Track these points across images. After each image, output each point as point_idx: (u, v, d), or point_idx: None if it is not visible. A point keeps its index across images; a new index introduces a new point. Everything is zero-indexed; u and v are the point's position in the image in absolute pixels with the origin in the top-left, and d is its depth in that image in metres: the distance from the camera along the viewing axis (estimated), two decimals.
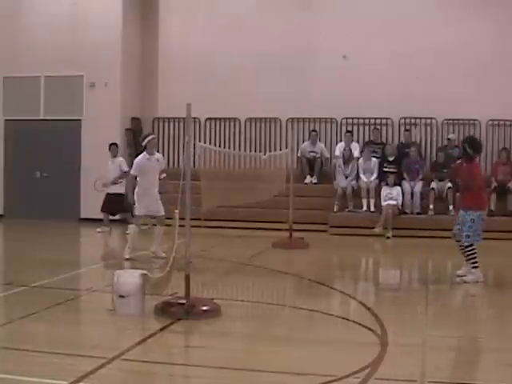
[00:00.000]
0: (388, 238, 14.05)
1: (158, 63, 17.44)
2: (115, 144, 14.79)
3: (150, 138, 10.86)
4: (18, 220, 16.04)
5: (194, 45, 16.86)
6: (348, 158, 15.54)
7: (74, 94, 16.66)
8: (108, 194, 14.37)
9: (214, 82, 16.40)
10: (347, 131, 16.19)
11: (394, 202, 14.63)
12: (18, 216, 16.37)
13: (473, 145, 9.44)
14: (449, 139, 15.57)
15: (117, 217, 14.65)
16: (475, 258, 9.20)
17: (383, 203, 14.67)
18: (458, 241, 9.41)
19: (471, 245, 9.19)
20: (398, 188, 14.86)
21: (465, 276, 9.28)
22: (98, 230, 14.45)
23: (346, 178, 15.40)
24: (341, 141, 16.18)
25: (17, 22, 16.81)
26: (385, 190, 14.88)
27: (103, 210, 14.46)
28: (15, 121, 17.00)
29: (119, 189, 14.08)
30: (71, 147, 16.43)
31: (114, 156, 14.60)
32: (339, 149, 15.87)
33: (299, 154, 16.07)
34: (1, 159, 17.21)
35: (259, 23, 16.62)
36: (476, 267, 9.19)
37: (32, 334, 6.31)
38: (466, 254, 9.28)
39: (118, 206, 14.09)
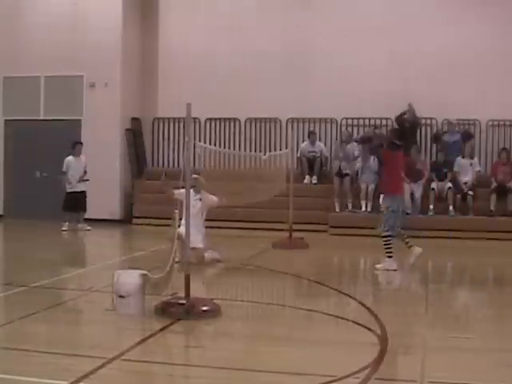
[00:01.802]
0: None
1: (158, 63, 17.44)
2: (81, 143, 15.08)
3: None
4: (18, 220, 16.04)
5: (194, 45, 16.86)
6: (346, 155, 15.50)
7: (74, 93, 16.67)
8: (71, 193, 14.72)
9: (214, 82, 16.39)
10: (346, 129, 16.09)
11: None
12: (17, 216, 16.38)
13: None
14: (450, 123, 15.50)
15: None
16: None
17: None
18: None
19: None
20: None
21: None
22: (88, 228, 14.74)
23: (342, 173, 15.37)
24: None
25: (17, 22, 16.81)
26: None
27: (67, 209, 14.75)
28: (15, 121, 17.00)
29: (85, 187, 14.77)
30: (71, 147, 16.41)
31: (78, 155, 14.91)
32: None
33: (299, 155, 16.07)
34: (1, 159, 17.22)
35: (259, 23, 16.62)
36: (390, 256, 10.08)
37: (32, 334, 6.31)
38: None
39: (81, 204, 14.72)
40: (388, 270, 10.00)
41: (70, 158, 14.86)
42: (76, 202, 14.71)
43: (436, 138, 15.69)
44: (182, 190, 7.97)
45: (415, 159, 15.16)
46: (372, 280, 10.21)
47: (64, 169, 14.75)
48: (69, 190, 14.76)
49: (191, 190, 9.90)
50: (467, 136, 15.45)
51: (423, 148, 16.26)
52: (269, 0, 17.03)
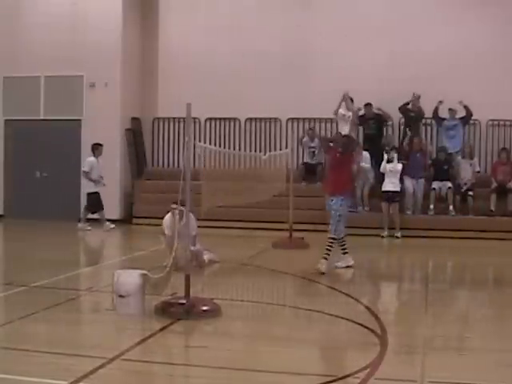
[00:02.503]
0: (397, 237, 14.04)
1: (158, 63, 17.44)
2: (102, 144, 15.17)
3: None
4: (18, 220, 16.05)
5: (194, 45, 16.87)
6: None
7: (74, 94, 16.66)
8: (94, 193, 14.94)
9: (214, 82, 16.40)
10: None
11: (394, 188, 14.43)
12: (17, 216, 16.38)
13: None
14: (451, 110, 15.37)
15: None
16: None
17: (384, 187, 14.57)
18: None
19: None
20: (400, 166, 14.62)
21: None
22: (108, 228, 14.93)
23: None
24: None
25: (17, 22, 16.81)
26: (388, 165, 14.60)
27: (98, 209, 14.99)
28: (15, 121, 17.00)
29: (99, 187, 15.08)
30: (71, 147, 16.44)
31: (98, 156, 15.12)
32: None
33: (301, 143, 16.14)
34: (1, 159, 17.22)
35: (259, 23, 16.63)
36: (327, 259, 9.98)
37: (32, 334, 6.31)
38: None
39: (100, 204, 15.02)
40: (321, 271, 9.72)
41: (93, 158, 14.99)
42: (98, 202, 14.96)
43: (435, 112, 15.55)
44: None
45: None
46: (372, 280, 10.21)
47: (87, 169, 14.88)
48: (92, 190, 14.93)
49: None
50: (467, 114, 15.36)
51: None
52: (269, 0, 17.03)
